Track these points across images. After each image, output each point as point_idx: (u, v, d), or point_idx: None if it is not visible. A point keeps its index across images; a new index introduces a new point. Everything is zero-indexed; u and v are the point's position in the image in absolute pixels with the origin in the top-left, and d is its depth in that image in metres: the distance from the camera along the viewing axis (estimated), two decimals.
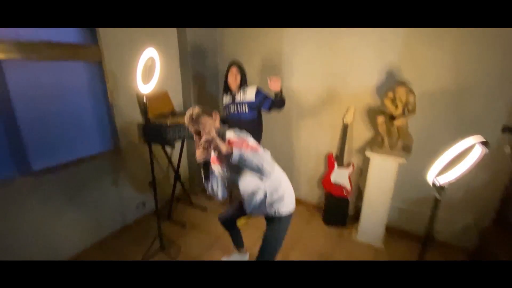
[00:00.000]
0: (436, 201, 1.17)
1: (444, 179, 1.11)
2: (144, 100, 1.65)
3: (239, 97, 2.33)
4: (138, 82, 1.58)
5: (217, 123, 1.40)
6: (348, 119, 2.51)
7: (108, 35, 2.15)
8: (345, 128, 2.53)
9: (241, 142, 1.31)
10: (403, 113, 2.02)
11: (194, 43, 2.84)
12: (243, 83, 2.34)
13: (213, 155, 1.49)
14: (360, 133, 2.58)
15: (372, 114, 2.48)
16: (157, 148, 2.74)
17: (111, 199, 2.44)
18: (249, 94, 2.31)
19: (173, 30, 2.78)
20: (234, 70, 2.29)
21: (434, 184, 1.11)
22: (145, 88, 1.60)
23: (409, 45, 2.19)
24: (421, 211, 2.42)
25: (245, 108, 2.32)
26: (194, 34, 2.82)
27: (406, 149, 2.18)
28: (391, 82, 2.29)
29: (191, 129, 1.35)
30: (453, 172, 1.09)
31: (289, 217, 1.57)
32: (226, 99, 2.44)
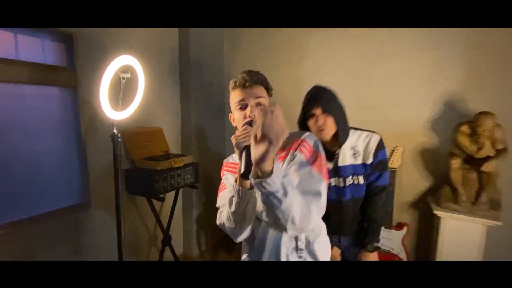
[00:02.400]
0: None
1: None
2: (115, 132, 1.07)
3: (343, 157, 1.19)
4: (103, 104, 1.02)
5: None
6: (395, 163, 1.91)
7: (87, 53, 1.68)
8: (391, 175, 1.91)
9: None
10: (491, 155, 1.42)
11: (198, 74, 2.39)
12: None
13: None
14: (414, 181, 1.95)
15: (428, 155, 1.89)
16: (142, 201, 2.09)
17: None
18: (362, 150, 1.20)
19: (175, 58, 2.35)
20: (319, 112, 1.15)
21: None
22: (117, 114, 1.04)
23: (473, 70, 1.71)
24: None
25: (359, 179, 1.20)
26: (198, 63, 2.39)
27: (495, 205, 1.53)
28: (453, 115, 1.76)
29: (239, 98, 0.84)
30: None
31: None
32: None
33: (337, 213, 1.24)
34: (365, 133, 1.21)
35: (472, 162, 1.52)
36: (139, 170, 1.85)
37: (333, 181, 1.22)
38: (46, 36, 1.57)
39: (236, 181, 0.74)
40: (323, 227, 0.95)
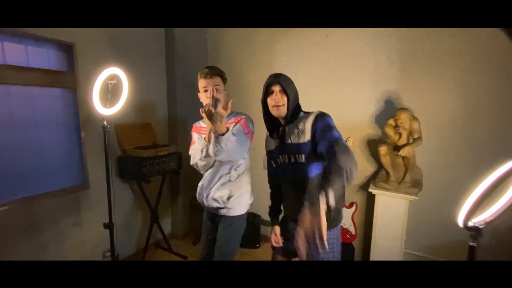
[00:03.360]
0: (471, 249, 0.85)
1: (479, 219, 0.81)
2: (105, 124, 1.42)
3: (288, 135, 1.28)
4: (95, 102, 1.37)
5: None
6: None
7: (85, 60, 2.02)
8: None
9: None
10: (408, 142, 1.76)
11: (183, 75, 2.73)
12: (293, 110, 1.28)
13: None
14: (362, 167, 2.30)
15: (373, 145, 2.23)
16: (135, 185, 2.44)
17: (70, 242, 2.06)
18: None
19: (162, 61, 2.69)
20: (278, 90, 1.25)
21: (467, 227, 0.80)
22: (107, 111, 1.38)
23: (406, 73, 2.04)
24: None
25: (302, 158, 1.24)
26: (183, 65, 2.73)
27: (416, 184, 1.88)
28: (391, 110, 2.09)
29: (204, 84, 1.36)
30: (491, 208, 0.79)
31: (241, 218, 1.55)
32: (270, 142, 1.40)
33: (285, 190, 1.34)
34: (309, 113, 1.23)
35: (399, 149, 1.86)
36: (129, 157, 2.21)
37: (281, 158, 1.30)
38: (51, 46, 1.92)
39: (205, 139, 1.37)
40: (245, 191, 1.53)
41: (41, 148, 1.92)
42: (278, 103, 1.22)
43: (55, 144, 1.99)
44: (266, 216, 2.84)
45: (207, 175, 1.52)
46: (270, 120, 1.31)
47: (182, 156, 2.50)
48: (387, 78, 2.11)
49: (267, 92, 1.26)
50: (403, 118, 1.70)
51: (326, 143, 1.10)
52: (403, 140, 1.78)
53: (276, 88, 1.23)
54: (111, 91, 1.46)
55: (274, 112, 1.25)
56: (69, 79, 1.99)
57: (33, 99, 1.87)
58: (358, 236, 2.32)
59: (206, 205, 1.52)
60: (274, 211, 1.49)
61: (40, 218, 1.90)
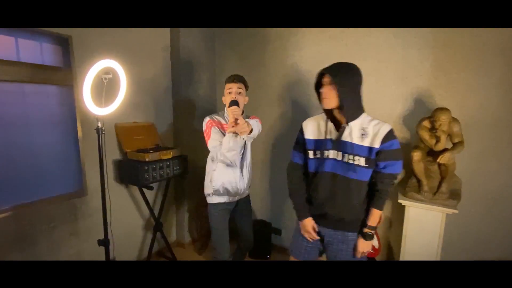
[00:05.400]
0: None
1: None
2: (99, 125, 1.23)
3: (349, 133, 1.20)
4: (86, 100, 1.18)
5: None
6: None
7: (82, 55, 1.84)
8: None
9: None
10: (447, 147, 1.53)
11: (189, 72, 2.54)
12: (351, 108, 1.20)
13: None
14: None
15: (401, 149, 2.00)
16: (137, 191, 2.26)
17: (66, 253, 1.89)
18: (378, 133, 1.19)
19: (167, 56, 2.50)
20: (328, 81, 1.20)
21: None
22: (101, 110, 1.19)
23: (441, 68, 1.80)
24: None
25: (360, 161, 1.18)
26: (189, 61, 2.53)
27: (454, 195, 1.64)
28: (422, 110, 1.86)
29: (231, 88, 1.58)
30: None
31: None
32: (313, 130, 1.31)
33: (328, 187, 1.22)
34: (377, 121, 1.22)
35: (434, 154, 1.63)
36: (130, 161, 2.02)
37: (331, 154, 1.21)
38: (44, 39, 1.74)
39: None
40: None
41: (34, 151, 1.75)
42: (325, 96, 1.18)
43: (50, 147, 1.81)
44: (276, 224, 2.64)
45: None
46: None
47: (188, 160, 2.31)
48: (418, 74, 1.87)
49: (319, 82, 1.24)
50: (443, 120, 1.47)
51: (388, 170, 1.20)
52: (441, 145, 1.54)
53: (326, 80, 1.19)
54: (107, 87, 1.26)
55: (322, 102, 1.22)
56: (64, 75, 1.81)
57: (25, 97, 1.69)
58: (382, 250, 2.09)
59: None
60: (307, 201, 1.34)
61: (33, 227, 1.72)
